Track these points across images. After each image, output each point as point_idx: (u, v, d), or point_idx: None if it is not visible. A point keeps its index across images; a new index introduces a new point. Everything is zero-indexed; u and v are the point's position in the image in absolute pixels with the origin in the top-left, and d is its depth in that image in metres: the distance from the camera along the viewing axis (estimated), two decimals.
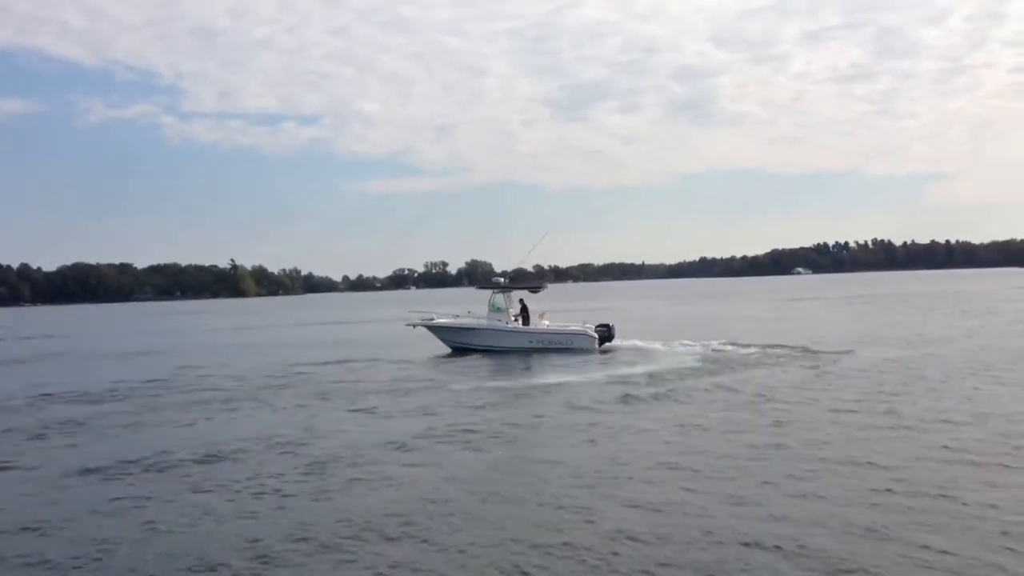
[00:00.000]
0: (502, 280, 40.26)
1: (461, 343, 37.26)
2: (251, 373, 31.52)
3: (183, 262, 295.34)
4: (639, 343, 36.33)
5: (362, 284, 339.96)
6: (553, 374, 27.51)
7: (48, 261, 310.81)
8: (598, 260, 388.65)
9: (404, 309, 56.61)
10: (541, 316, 37.82)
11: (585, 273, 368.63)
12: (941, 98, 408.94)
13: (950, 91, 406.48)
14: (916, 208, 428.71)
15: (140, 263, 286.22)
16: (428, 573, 9.63)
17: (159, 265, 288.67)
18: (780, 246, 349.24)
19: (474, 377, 28.06)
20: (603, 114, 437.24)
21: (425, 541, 10.67)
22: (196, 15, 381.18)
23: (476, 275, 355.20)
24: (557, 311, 43.18)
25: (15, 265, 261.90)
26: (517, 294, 38.55)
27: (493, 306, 37.53)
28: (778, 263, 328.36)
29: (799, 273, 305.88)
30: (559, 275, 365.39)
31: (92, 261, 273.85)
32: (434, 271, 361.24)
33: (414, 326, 39.15)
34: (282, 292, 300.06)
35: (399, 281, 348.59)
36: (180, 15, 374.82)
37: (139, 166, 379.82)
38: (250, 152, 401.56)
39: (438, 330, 38.58)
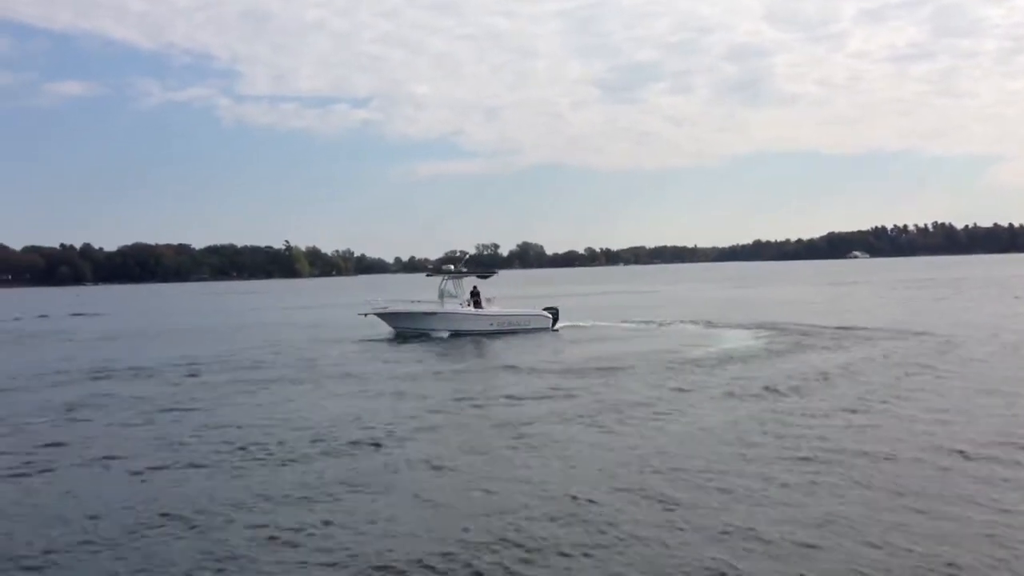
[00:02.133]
0: (452, 267, 40.45)
1: (418, 328, 36.94)
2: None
3: (239, 243, 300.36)
4: (581, 323, 40.29)
5: (414, 266, 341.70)
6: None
7: (109, 241, 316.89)
8: (650, 243, 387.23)
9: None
10: (489, 301, 38.38)
11: (636, 256, 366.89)
12: (1002, 78, 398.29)
13: (1012, 71, 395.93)
14: (977, 190, 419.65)
15: (197, 244, 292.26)
16: None
17: (215, 246, 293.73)
18: (836, 229, 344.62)
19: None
20: (653, 95, 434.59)
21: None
22: None
23: (527, 257, 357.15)
24: (587, 294, 43.58)
25: (78, 245, 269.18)
26: (469, 281, 38.95)
27: (444, 292, 37.93)
28: (834, 247, 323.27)
29: (855, 257, 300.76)
30: (610, 258, 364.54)
31: (151, 242, 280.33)
32: (485, 253, 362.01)
33: (366, 315, 38.09)
34: (335, 273, 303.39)
35: (450, 263, 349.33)
36: None
37: (196, 148, 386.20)
38: (303, 134, 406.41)
39: (393, 317, 37.99)
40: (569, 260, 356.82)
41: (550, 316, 38.36)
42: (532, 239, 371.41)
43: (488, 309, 37.81)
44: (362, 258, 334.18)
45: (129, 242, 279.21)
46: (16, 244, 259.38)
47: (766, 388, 19.56)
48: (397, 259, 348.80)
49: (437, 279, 39.25)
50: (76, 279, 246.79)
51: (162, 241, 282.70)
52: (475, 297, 38.08)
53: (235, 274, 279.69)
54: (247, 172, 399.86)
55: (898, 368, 22.64)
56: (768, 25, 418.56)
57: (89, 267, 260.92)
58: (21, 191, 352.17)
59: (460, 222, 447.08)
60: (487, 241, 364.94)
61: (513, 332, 36.76)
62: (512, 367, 25.60)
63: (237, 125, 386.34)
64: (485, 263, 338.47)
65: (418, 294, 40.38)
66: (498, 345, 33.09)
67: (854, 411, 16.67)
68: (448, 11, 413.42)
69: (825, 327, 34.49)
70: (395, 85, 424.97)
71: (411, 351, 32.18)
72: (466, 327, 36.84)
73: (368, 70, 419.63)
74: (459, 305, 37.50)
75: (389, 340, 36.20)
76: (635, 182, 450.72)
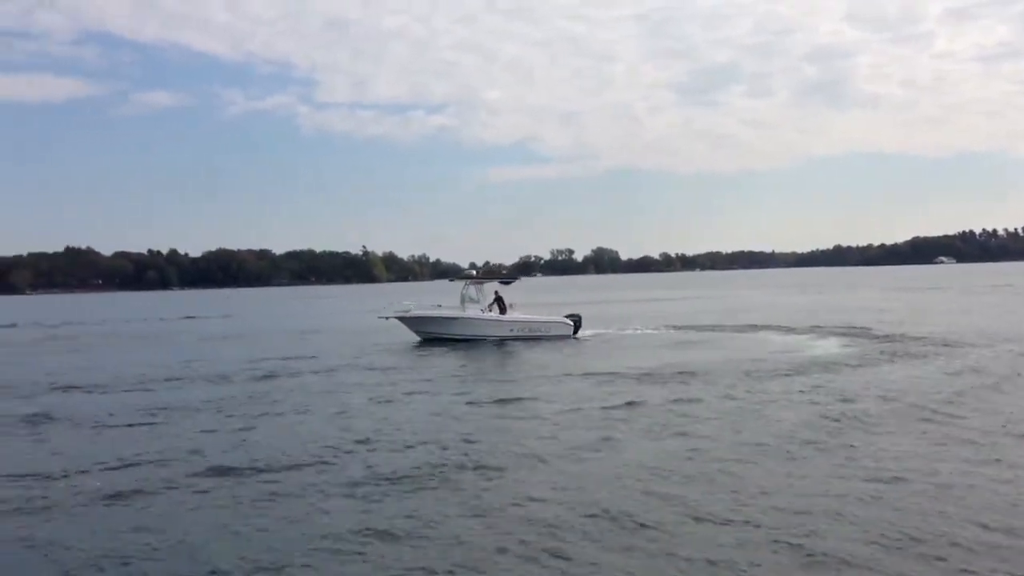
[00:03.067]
0: (473, 272, 40.01)
1: (439, 333, 37.38)
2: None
3: (317, 248, 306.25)
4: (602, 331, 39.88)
5: (489, 271, 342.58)
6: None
7: (194, 247, 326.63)
8: (726, 248, 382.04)
9: (533, 296, 57.54)
10: (511, 307, 38.26)
11: (713, 261, 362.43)
12: None
13: None
14: None
15: (277, 249, 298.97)
16: None
17: (295, 251, 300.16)
18: (921, 234, 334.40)
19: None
20: (731, 98, 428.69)
21: None
22: (329, 7, 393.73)
23: (602, 262, 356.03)
24: (662, 300, 43.37)
25: (164, 251, 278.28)
26: (490, 286, 38.94)
27: (465, 297, 38.09)
28: (919, 252, 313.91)
29: (942, 262, 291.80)
30: (686, 263, 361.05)
31: (233, 247, 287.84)
32: (560, 258, 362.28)
33: (387, 318, 38.72)
34: (411, 278, 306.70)
35: (525, 268, 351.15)
36: (313, 8, 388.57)
37: (277, 155, 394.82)
38: (381, 141, 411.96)
39: (414, 321, 38.35)
40: (644, 266, 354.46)
41: (571, 324, 38.28)
42: (607, 244, 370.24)
43: (509, 315, 37.78)
44: (437, 263, 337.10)
45: (213, 247, 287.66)
46: (106, 250, 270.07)
47: (843, 400, 19.32)
48: (472, 264, 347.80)
49: (459, 285, 39.54)
50: (163, 284, 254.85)
51: (244, 247, 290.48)
52: (498, 303, 38.03)
53: (313, 279, 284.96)
54: (326, 178, 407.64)
55: (977, 376, 22.30)
56: (849, 25, 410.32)
57: (175, 272, 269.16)
58: (111, 198, 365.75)
59: (535, 227, 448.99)
60: (562, 246, 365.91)
61: (535, 339, 36.74)
62: (602, 374, 25.23)
63: (316, 132, 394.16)
64: (559, 268, 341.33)
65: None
66: (573, 350, 33.35)
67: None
68: (524, 16, 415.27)
69: (915, 335, 33.56)
70: (471, 91, 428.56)
71: (467, 357, 32.55)
72: (485, 332, 36.99)
73: (444, 76, 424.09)
74: (479, 310, 37.64)
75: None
76: (712, 186, 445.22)
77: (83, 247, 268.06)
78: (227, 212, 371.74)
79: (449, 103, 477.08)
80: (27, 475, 13.66)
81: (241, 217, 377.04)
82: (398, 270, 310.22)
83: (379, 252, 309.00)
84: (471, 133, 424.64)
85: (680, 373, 24.12)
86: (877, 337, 33.35)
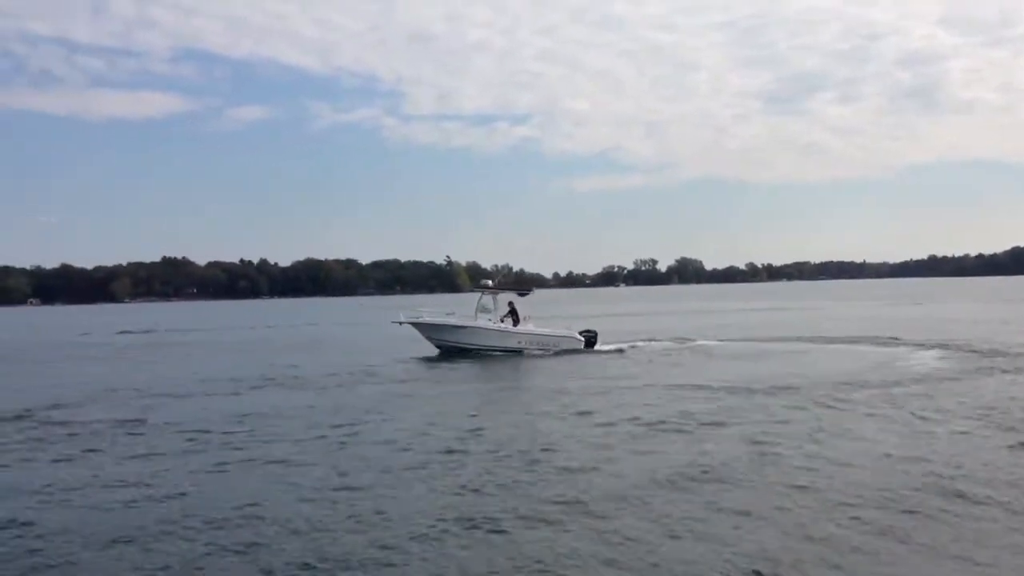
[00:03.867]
0: (490, 283, 39.99)
1: (448, 341, 37.54)
2: None
3: (403, 258, 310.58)
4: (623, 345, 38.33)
5: (572, 281, 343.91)
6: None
7: (283, 257, 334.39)
8: (815, 258, 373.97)
9: (615, 305, 57.46)
10: (526, 319, 38.05)
11: (800, 272, 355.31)
12: None
13: None
14: None
15: (363, 259, 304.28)
16: None
17: (381, 261, 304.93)
18: (1021, 243, 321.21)
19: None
20: (819, 105, 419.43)
21: None
22: (414, 21, 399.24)
23: (686, 273, 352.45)
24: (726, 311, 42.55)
25: (255, 261, 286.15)
26: (505, 296, 38.85)
27: (480, 307, 38.18)
28: (1019, 261, 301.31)
29: None
30: (772, 274, 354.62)
31: (321, 257, 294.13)
32: (643, 268, 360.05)
33: (400, 323, 39.06)
34: None
35: (609, 278, 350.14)
36: (399, 22, 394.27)
37: (363, 167, 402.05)
38: (465, 152, 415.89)
39: (425, 327, 38.52)
40: (729, 276, 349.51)
41: (582, 339, 37.75)
42: (691, 254, 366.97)
43: (520, 328, 37.56)
44: (520, 273, 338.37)
45: (301, 257, 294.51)
46: (201, 260, 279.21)
47: (939, 413, 18.84)
48: (555, 274, 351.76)
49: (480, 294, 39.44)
50: (254, 293, 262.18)
51: (331, 256, 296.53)
52: (512, 314, 37.90)
53: (399, 288, 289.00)
54: (411, 189, 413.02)
55: None
56: (943, 29, 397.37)
57: (265, 281, 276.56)
58: (205, 210, 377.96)
59: (618, 237, 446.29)
60: (645, 256, 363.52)
61: (543, 353, 36.31)
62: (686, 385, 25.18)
63: (402, 144, 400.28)
64: (643, 279, 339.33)
65: (570, 308, 40.53)
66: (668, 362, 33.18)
67: None
68: (608, 27, 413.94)
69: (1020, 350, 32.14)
70: (554, 101, 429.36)
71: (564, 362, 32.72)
72: (492, 343, 36.97)
73: (528, 87, 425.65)
74: (490, 321, 37.63)
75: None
76: (799, 195, 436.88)
77: (179, 257, 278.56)
78: (315, 222, 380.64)
79: (533, 114, 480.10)
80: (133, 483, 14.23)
81: (329, 227, 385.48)
82: (480, 280, 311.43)
83: (463, 262, 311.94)
84: (554, 144, 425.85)
85: (774, 388, 23.54)
86: (977, 351, 32.07)
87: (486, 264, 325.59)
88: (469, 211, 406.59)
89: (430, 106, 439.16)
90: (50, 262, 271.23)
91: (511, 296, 39.03)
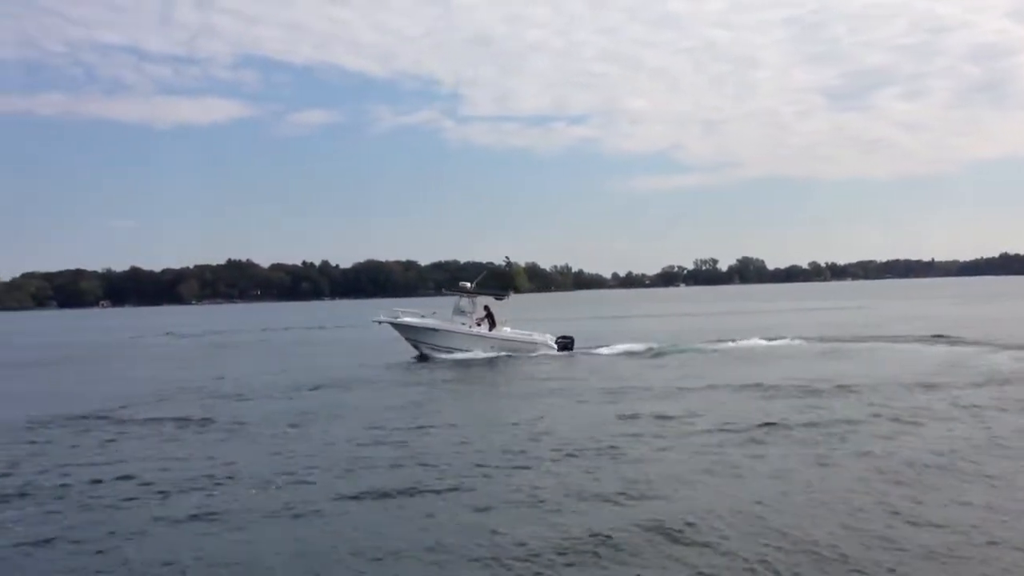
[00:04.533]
0: (468, 285, 39.84)
1: (422, 342, 37.77)
2: None
3: (462, 259, 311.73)
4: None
5: (631, 281, 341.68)
6: None
7: (344, 258, 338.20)
8: (880, 257, 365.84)
9: (675, 305, 56.91)
10: (502, 323, 38.29)
11: (865, 271, 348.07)
12: None
13: None
14: None
15: (423, 260, 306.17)
16: None
17: (440, 262, 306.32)
18: None
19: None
20: (885, 101, 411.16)
21: None
22: (473, 24, 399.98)
23: (747, 272, 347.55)
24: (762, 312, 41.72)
25: (317, 262, 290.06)
26: (482, 300, 38.88)
27: (457, 309, 38.49)
28: None
29: None
30: (836, 272, 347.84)
31: (381, 258, 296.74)
32: (704, 268, 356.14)
33: (379, 323, 39.45)
34: (553, 288, 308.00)
35: (668, 278, 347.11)
36: (458, 24, 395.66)
37: (423, 169, 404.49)
38: (523, 152, 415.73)
39: (402, 328, 38.78)
40: (792, 275, 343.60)
41: (554, 345, 37.88)
42: (753, 254, 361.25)
43: (495, 332, 37.75)
44: (579, 273, 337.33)
45: (362, 259, 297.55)
46: (264, 262, 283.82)
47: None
48: (615, 275, 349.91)
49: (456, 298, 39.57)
50: (316, 294, 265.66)
51: (391, 258, 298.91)
52: (488, 318, 38.15)
53: None
54: (470, 190, 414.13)
55: None
56: (1014, 22, 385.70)
57: (327, 283, 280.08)
58: (268, 213, 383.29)
59: (678, 237, 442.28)
60: (705, 256, 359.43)
61: (515, 357, 36.12)
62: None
63: (461, 145, 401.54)
64: (703, 279, 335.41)
65: (627, 308, 40.14)
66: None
67: None
68: (666, 25, 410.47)
69: None
70: (612, 101, 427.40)
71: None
72: (464, 346, 37.01)
73: (586, 87, 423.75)
74: (467, 324, 37.78)
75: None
76: (864, 192, 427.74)
77: (243, 260, 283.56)
78: (375, 224, 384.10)
79: (591, 114, 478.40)
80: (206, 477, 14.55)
81: (389, 229, 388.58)
82: (540, 280, 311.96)
83: (521, 262, 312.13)
84: (613, 143, 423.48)
85: (839, 387, 23.16)
86: None
87: (545, 265, 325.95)
88: (528, 212, 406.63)
89: (488, 107, 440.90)
90: (120, 265, 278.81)
91: (488, 300, 39.27)
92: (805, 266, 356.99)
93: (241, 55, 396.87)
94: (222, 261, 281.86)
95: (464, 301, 38.76)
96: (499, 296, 40.41)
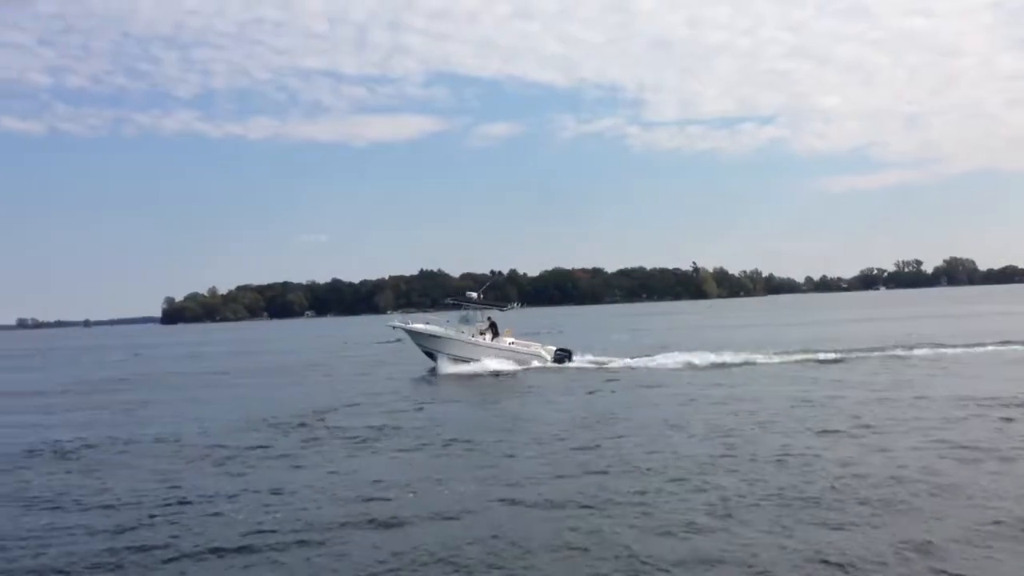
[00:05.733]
0: (474, 295, 41.34)
1: (428, 348, 39.83)
2: None
3: (648, 266, 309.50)
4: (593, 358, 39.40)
5: (826, 285, 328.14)
6: None
7: (531, 267, 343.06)
8: None
9: (876, 310, 54.23)
10: (506, 333, 39.68)
11: None
12: None
13: None
14: None
15: (609, 267, 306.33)
16: None
17: (626, 269, 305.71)
18: None
19: None
20: None
21: None
22: (654, 29, 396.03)
23: (956, 274, 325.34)
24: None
25: (505, 271, 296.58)
26: (487, 311, 40.76)
27: (462, 319, 40.35)
28: None
29: None
30: None
31: (568, 266, 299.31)
32: (906, 270, 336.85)
33: (394, 327, 41.96)
34: (743, 293, 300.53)
35: (867, 281, 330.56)
36: (639, 31, 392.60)
37: (607, 176, 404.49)
38: (709, 156, 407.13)
39: (413, 334, 40.89)
40: (1007, 276, 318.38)
41: (547, 356, 38.85)
42: (962, 254, 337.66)
43: (496, 342, 38.93)
44: (771, 278, 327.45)
45: (549, 267, 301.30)
46: (455, 271, 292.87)
47: None
48: (808, 278, 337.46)
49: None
50: (506, 302, 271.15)
51: (577, 265, 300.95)
52: (492, 328, 39.51)
53: (644, 296, 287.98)
54: (656, 196, 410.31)
55: None
56: None
57: (515, 291, 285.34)
58: (458, 223, 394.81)
59: (877, 238, 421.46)
60: (908, 257, 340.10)
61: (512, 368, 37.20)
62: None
63: (645, 151, 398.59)
64: (905, 281, 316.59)
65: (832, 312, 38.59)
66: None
67: None
68: (858, 16, 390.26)
69: None
70: (802, 99, 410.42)
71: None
72: (464, 355, 38.29)
73: (773, 86, 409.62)
74: (470, 334, 39.07)
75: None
76: None
77: (435, 269, 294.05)
78: (562, 232, 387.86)
79: (779, 113, 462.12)
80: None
81: (575, 237, 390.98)
82: (729, 286, 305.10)
83: (709, 268, 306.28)
84: (804, 143, 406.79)
85: None
86: None
87: (733, 270, 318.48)
88: (715, 216, 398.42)
89: (672, 111, 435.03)
90: (322, 277, 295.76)
91: (492, 311, 41.17)
92: (1022, 266, 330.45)
93: (432, 72, 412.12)
94: (415, 271, 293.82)
95: (470, 312, 40.67)
96: (502, 307, 42.99)
